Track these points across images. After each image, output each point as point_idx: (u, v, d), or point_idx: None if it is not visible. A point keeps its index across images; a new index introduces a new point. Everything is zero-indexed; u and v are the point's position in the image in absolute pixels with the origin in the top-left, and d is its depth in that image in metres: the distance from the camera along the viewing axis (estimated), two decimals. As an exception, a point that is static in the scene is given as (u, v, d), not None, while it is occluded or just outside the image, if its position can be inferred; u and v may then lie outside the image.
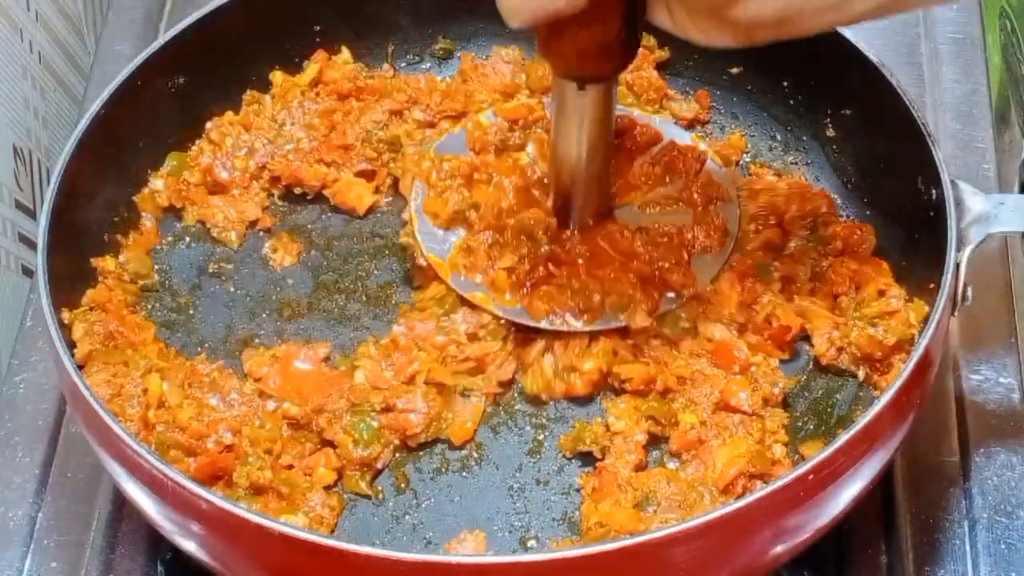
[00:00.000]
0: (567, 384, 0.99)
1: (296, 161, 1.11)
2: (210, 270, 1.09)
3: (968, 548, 1.00)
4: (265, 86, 1.15)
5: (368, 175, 1.12)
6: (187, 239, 1.10)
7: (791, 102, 1.13)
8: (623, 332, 1.00)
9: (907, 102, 1.00)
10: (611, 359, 0.99)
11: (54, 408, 1.09)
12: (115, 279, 1.05)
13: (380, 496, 0.96)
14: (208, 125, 1.12)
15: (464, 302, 1.01)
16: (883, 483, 1.00)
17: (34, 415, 1.09)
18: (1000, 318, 1.11)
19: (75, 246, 1.02)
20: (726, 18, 0.83)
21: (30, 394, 1.10)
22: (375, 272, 1.09)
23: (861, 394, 0.98)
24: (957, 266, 0.92)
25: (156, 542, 1.01)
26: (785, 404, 0.98)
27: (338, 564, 0.82)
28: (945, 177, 0.95)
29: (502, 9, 0.85)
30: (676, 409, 0.97)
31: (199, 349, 1.04)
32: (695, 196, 1.05)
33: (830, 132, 1.11)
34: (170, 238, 1.10)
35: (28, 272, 1.24)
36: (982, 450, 1.04)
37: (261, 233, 1.11)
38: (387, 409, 0.97)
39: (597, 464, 0.95)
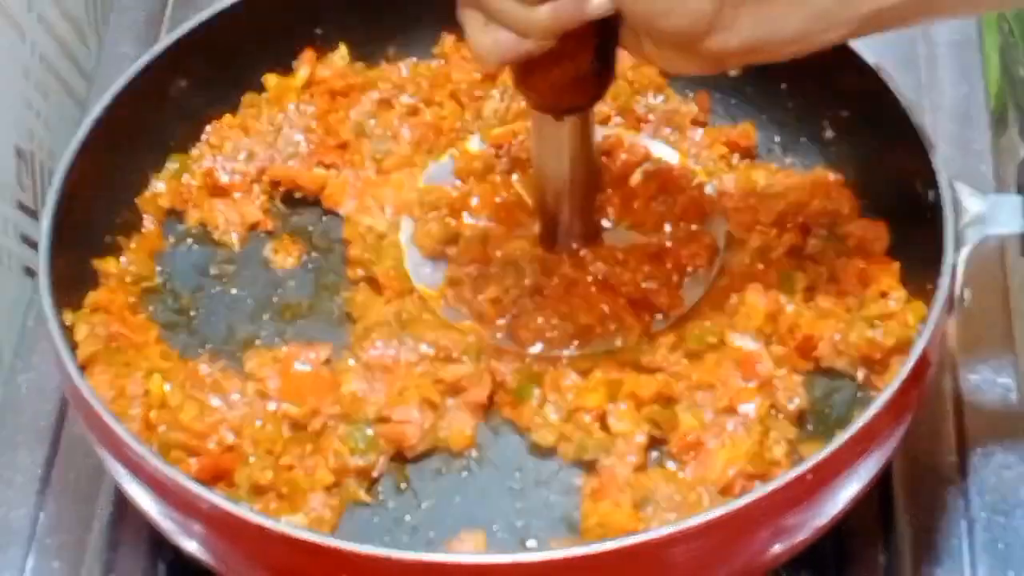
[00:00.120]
0: (579, 426, 0.97)
1: (295, 165, 1.11)
2: (212, 272, 1.09)
3: (966, 547, 1.01)
4: (264, 89, 1.15)
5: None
6: (189, 241, 1.11)
7: (789, 104, 1.13)
8: (624, 359, 1.00)
9: (904, 104, 1.00)
10: (611, 386, 0.98)
11: (56, 408, 1.10)
12: (117, 281, 1.05)
13: (380, 498, 0.96)
14: (208, 128, 1.12)
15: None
16: (881, 483, 1.00)
17: (36, 415, 1.09)
18: (998, 319, 1.11)
19: (77, 247, 1.02)
20: (696, 50, 0.83)
21: (32, 394, 1.11)
22: (376, 273, 1.09)
23: (860, 395, 0.99)
24: (955, 267, 0.92)
25: (157, 542, 1.01)
26: (800, 421, 0.97)
27: (339, 564, 0.82)
28: (943, 178, 0.95)
29: (475, 54, 0.85)
30: (678, 412, 0.97)
31: (201, 350, 1.04)
32: (682, 213, 1.05)
33: (828, 134, 1.11)
34: (172, 240, 1.10)
35: (30, 272, 1.24)
36: (980, 450, 1.05)
37: (262, 235, 1.11)
38: (382, 420, 0.97)
39: (597, 465, 0.95)
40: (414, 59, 1.19)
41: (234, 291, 1.08)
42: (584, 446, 0.96)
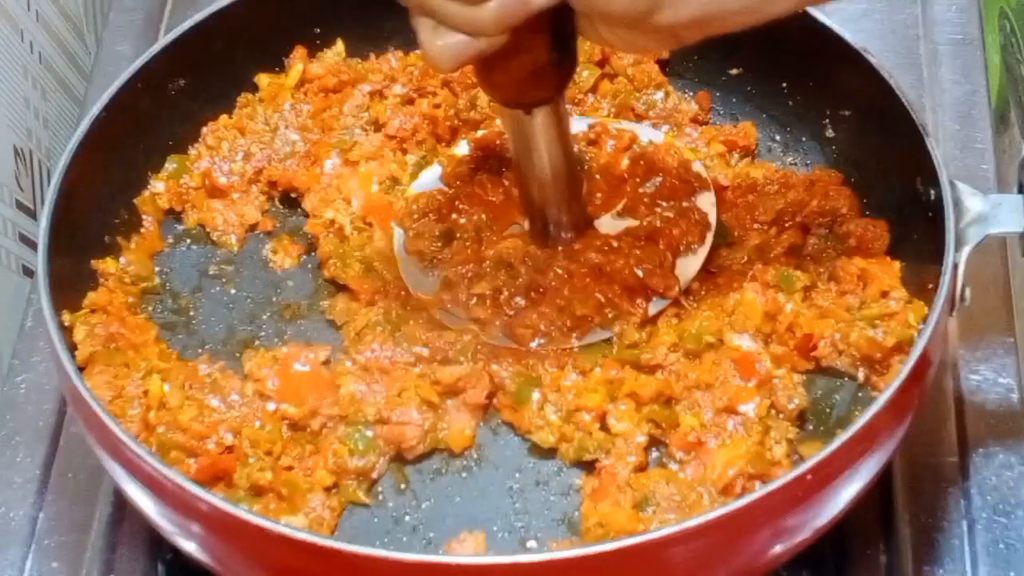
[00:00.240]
0: (580, 425, 0.97)
1: (292, 164, 1.11)
2: (211, 272, 1.09)
3: (967, 548, 1.00)
4: (258, 88, 1.15)
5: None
6: (188, 241, 1.10)
7: (790, 103, 1.13)
8: (624, 358, 0.99)
9: (906, 103, 1.00)
10: (611, 386, 0.98)
11: (55, 409, 1.10)
12: (116, 281, 1.05)
13: (379, 498, 0.96)
14: (204, 130, 1.12)
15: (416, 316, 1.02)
16: (882, 483, 1.00)
17: (35, 415, 1.09)
18: (999, 318, 1.11)
19: (76, 247, 1.02)
20: (647, 27, 0.83)
21: (31, 394, 1.11)
22: (375, 273, 1.09)
23: (860, 395, 0.98)
24: (956, 266, 0.92)
25: (157, 543, 1.01)
26: (801, 421, 0.97)
27: (338, 565, 0.82)
28: (944, 178, 0.95)
29: (428, 59, 0.85)
30: (678, 412, 0.96)
31: (200, 351, 1.04)
32: (670, 192, 1.05)
33: (829, 133, 1.11)
34: (171, 240, 1.10)
35: (29, 272, 1.24)
36: (981, 450, 1.05)
37: (261, 236, 1.11)
38: (381, 421, 0.97)
39: (597, 465, 0.95)
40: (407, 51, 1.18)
41: (233, 291, 1.08)
42: (584, 446, 0.96)
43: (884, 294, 0.99)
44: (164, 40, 1.08)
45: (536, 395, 0.98)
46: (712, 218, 1.04)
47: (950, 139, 1.21)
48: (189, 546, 0.89)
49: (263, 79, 1.14)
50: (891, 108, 1.01)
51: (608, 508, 0.93)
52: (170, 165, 1.11)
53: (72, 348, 0.98)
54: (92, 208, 1.05)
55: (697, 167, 1.07)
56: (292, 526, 0.87)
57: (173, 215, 1.11)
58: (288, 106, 1.13)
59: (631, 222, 1.05)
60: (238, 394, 0.97)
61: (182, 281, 1.08)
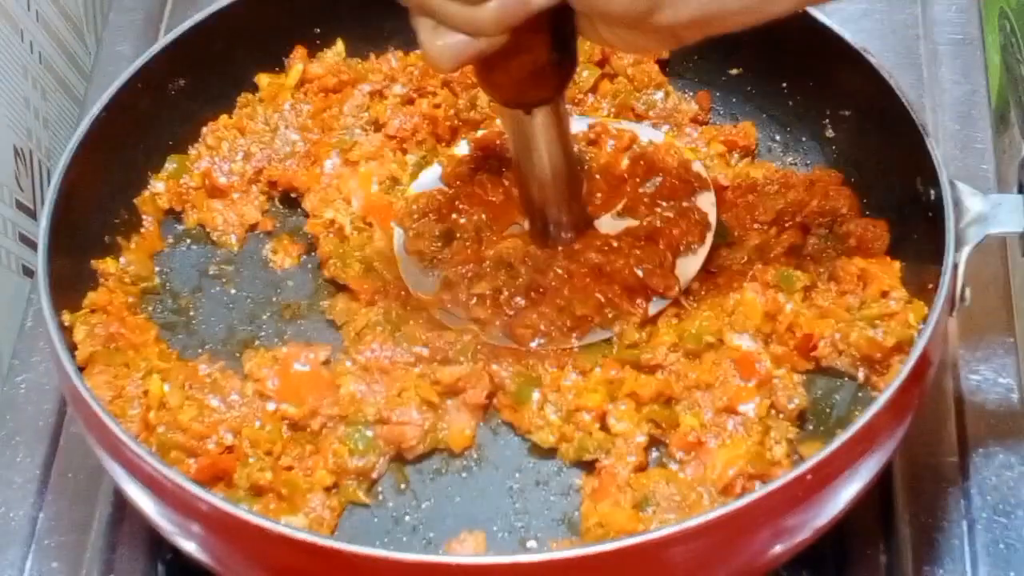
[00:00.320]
0: (580, 425, 0.97)
1: (292, 164, 1.11)
2: (211, 272, 1.09)
3: (967, 548, 1.00)
4: (258, 88, 1.15)
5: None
6: (188, 241, 1.10)
7: (790, 103, 1.13)
8: (624, 358, 0.99)
9: (906, 103, 1.00)
10: (611, 386, 0.98)
11: (55, 409, 1.10)
12: (116, 281, 1.05)
13: (379, 498, 0.96)
14: (204, 130, 1.12)
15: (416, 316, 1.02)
16: (882, 483, 1.00)
17: (35, 415, 1.09)
18: (999, 318, 1.11)
19: (76, 247, 1.02)
20: (647, 27, 0.83)
21: (31, 394, 1.10)
22: (375, 273, 1.08)
23: (860, 395, 0.98)
24: (956, 266, 0.92)
25: (157, 543, 1.01)
26: (801, 421, 0.97)
27: (338, 565, 0.82)
28: (944, 178, 0.95)
29: (428, 60, 0.85)
30: (678, 412, 0.96)
31: (200, 350, 1.04)
32: (671, 192, 1.05)
33: (829, 133, 1.11)
34: (171, 240, 1.10)
35: (29, 272, 1.24)
36: (981, 450, 1.05)
37: (261, 235, 1.11)
38: (381, 421, 0.97)
39: (597, 465, 0.95)
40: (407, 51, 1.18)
41: (233, 291, 1.08)
42: (584, 446, 0.96)
43: (884, 294, 0.99)
44: (164, 40, 1.08)
45: (536, 395, 0.98)
46: (712, 218, 1.04)
47: (950, 139, 1.21)
48: (189, 546, 0.89)
49: (263, 79, 1.14)
50: (891, 108, 1.00)
51: (608, 508, 0.93)
52: (170, 165, 1.11)
53: (72, 348, 0.98)
54: (92, 208, 1.05)
55: (697, 167, 1.07)
56: (292, 526, 0.87)
57: (173, 215, 1.11)
58: (288, 106, 1.13)
59: (631, 222, 1.05)
60: (238, 394, 0.97)
61: (182, 281, 1.08)
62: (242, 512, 0.83)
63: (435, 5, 0.82)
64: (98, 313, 1.01)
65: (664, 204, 1.05)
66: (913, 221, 1.01)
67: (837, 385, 0.99)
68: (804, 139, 1.13)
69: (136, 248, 1.08)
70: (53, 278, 0.95)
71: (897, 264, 1.01)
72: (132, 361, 0.99)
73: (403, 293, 1.03)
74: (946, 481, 1.03)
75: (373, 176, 1.10)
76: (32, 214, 1.27)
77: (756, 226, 1.06)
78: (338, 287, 1.06)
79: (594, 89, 1.16)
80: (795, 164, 1.13)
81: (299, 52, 1.15)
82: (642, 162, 1.07)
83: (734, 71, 1.15)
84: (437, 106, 1.14)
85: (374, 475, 0.96)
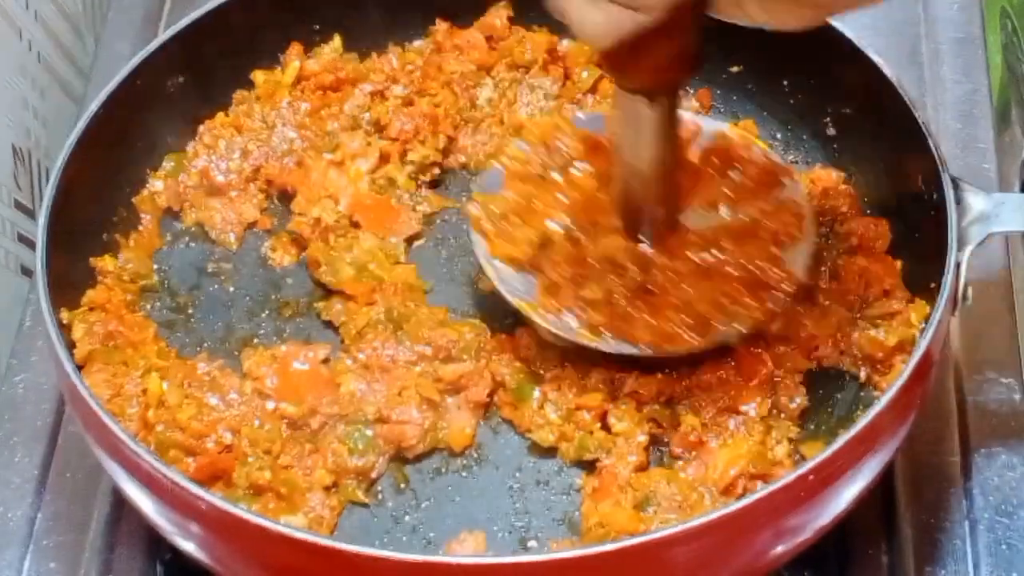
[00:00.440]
0: (580, 425, 0.96)
1: (290, 162, 1.11)
2: (209, 270, 1.09)
3: (969, 548, 1.00)
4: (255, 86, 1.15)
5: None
6: (186, 239, 1.10)
7: (791, 101, 1.13)
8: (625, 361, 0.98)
9: (908, 101, 1.00)
10: (611, 386, 0.97)
11: (53, 408, 1.09)
12: (115, 279, 1.04)
13: (379, 498, 0.96)
14: (200, 128, 1.12)
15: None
16: (884, 483, 1.00)
17: (33, 415, 1.09)
18: (1001, 318, 1.11)
19: (74, 246, 1.02)
20: (807, 2, 0.79)
21: (29, 394, 1.10)
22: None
23: (862, 394, 0.98)
24: (958, 266, 0.92)
25: (155, 542, 1.01)
26: (802, 421, 0.97)
27: (338, 565, 0.82)
28: (946, 176, 0.95)
29: (583, 35, 0.81)
30: (679, 411, 0.96)
31: (199, 349, 1.04)
32: (755, 184, 1.02)
33: (830, 131, 1.11)
34: (169, 238, 1.10)
35: (27, 272, 1.24)
36: (983, 450, 1.04)
37: (260, 233, 1.11)
38: (381, 420, 0.96)
39: (597, 464, 0.95)
40: (405, 46, 1.18)
41: (232, 289, 1.08)
42: (585, 445, 0.95)
43: (886, 293, 0.99)
44: (162, 37, 1.08)
45: (536, 393, 0.98)
46: (807, 209, 1.01)
47: (952, 138, 1.21)
48: (188, 546, 0.89)
49: (259, 76, 1.14)
50: (893, 107, 1.00)
51: (609, 508, 0.92)
52: (168, 163, 1.11)
53: (70, 346, 0.97)
54: (91, 206, 1.04)
55: (775, 157, 1.04)
56: (291, 526, 0.87)
57: (171, 213, 1.11)
58: (286, 104, 1.13)
59: (716, 216, 1.01)
60: (237, 393, 0.97)
61: (181, 279, 1.08)
62: (241, 511, 0.83)
63: None
64: (97, 311, 1.01)
65: (754, 197, 1.01)
66: (915, 220, 1.00)
67: (838, 385, 0.99)
68: (805, 137, 1.13)
69: (135, 246, 1.07)
70: (51, 276, 0.95)
71: (898, 263, 1.01)
72: (131, 359, 0.98)
73: (403, 292, 1.03)
74: (948, 481, 1.03)
75: (364, 175, 1.10)
76: (31, 213, 1.26)
77: (710, 170, 1.04)
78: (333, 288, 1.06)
79: (593, 89, 1.15)
80: (796, 162, 1.12)
81: (295, 49, 1.15)
82: (717, 154, 1.04)
83: (735, 69, 1.15)
84: (437, 105, 1.13)
85: (374, 474, 0.96)
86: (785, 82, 1.13)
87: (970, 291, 0.94)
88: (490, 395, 0.99)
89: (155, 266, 1.08)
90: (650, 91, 0.89)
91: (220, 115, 1.13)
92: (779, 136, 1.14)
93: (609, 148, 1.02)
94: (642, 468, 0.95)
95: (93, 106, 1.03)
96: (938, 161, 0.96)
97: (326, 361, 1.00)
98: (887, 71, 1.01)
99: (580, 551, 0.80)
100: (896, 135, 1.01)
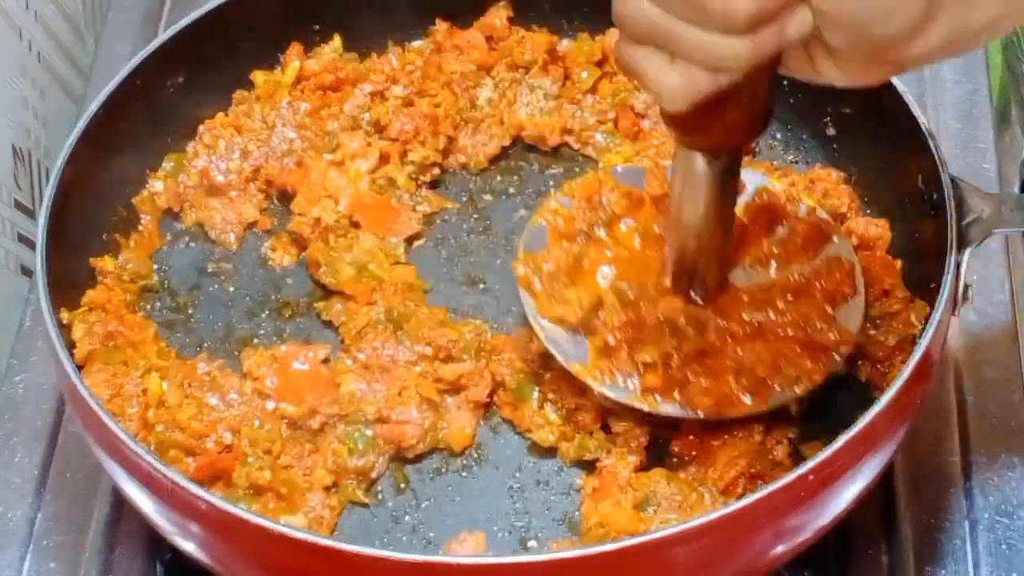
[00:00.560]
0: (580, 425, 0.96)
1: (290, 162, 1.11)
2: (209, 270, 1.08)
3: (969, 548, 1.00)
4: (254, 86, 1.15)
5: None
6: (186, 239, 1.10)
7: (791, 101, 1.12)
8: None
9: (908, 101, 1.00)
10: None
11: (53, 408, 1.09)
12: (115, 279, 1.04)
13: (379, 498, 0.96)
14: (200, 128, 1.12)
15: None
16: (884, 483, 1.00)
17: (33, 415, 1.09)
18: (1001, 318, 1.11)
19: (74, 246, 1.02)
20: (887, 58, 0.77)
21: (29, 394, 1.10)
22: (375, 271, 1.08)
23: (863, 394, 0.98)
24: (958, 265, 0.92)
25: (155, 542, 1.01)
26: (801, 420, 0.97)
27: (338, 565, 0.82)
28: (945, 176, 0.95)
29: (660, 98, 0.78)
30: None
31: (198, 349, 1.04)
32: (803, 241, 0.99)
33: (830, 131, 1.11)
34: (169, 238, 1.10)
35: (27, 272, 1.24)
36: (983, 450, 1.04)
37: (260, 233, 1.10)
38: (381, 420, 0.96)
39: (597, 465, 0.95)
40: (405, 46, 1.18)
41: (232, 289, 1.08)
42: (585, 446, 0.95)
43: (886, 293, 0.99)
44: (162, 37, 1.08)
45: (536, 393, 0.98)
46: (858, 267, 0.98)
47: (952, 138, 1.21)
48: (188, 546, 0.89)
49: (259, 76, 1.14)
50: (893, 106, 1.00)
51: (609, 508, 0.92)
52: (167, 164, 1.11)
53: (70, 346, 0.97)
54: (91, 206, 1.04)
55: (821, 214, 1.02)
56: (291, 525, 0.87)
57: (171, 213, 1.11)
58: (285, 103, 1.13)
59: (764, 274, 0.99)
60: (237, 393, 0.97)
61: (181, 279, 1.08)
62: (241, 511, 0.83)
63: (678, 36, 0.73)
64: (96, 311, 1.01)
65: (802, 255, 0.99)
66: (915, 220, 1.01)
67: (838, 385, 0.99)
68: (805, 137, 1.13)
69: (135, 246, 1.07)
70: (51, 276, 0.95)
71: (899, 263, 1.01)
72: (131, 359, 0.98)
73: (403, 291, 1.03)
74: (948, 481, 1.03)
75: (364, 175, 1.10)
76: (30, 213, 1.26)
77: (756, 226, 1.04)
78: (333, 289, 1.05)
79: (593, 89, 1.15)
80: (796, 162, 1.12)
81: (295, 49, 1.15)
82: (764, 212, 1.01)
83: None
84: (437, 106, 1.13)
85: (374, 474, 0.96)
86: (785, 82, 1.12)
87: (970, 291, 0.94)
88: (490, 395, 0.99)
89: (155, 266, 1.08)
90: (717, 151, 0.87)
91: (220, 115, 1.13)
92: (779, 136, 1.14)
93: (651, 203, 1.01)
94: (642, 468, 0.95)
95: (93, 106, 1.03)
96: (938, 161, 0.96)
97: (326, 361, 1.00)
98: (887, 71, 1.01)
99: (580, 551, 0.80)
100: (896, 135, 1.00)
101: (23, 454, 1.07)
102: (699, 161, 0.87)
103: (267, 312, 1.06)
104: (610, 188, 1.02)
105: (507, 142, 1.14)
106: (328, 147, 1.11)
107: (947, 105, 1.24)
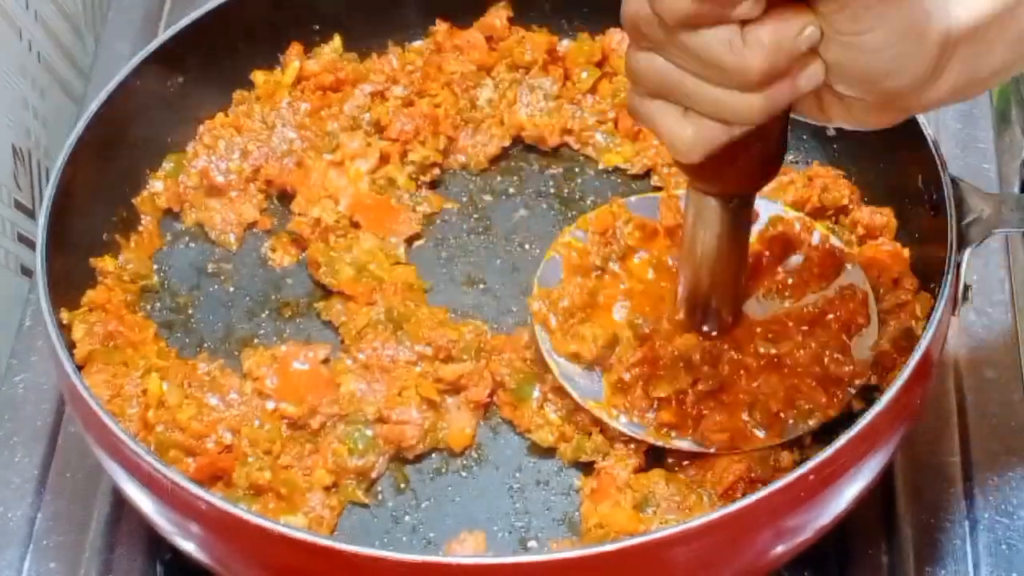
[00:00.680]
0: (580, 426, 0.96)
1: (290, 163, 1.11)
2: (209, 270, 1.08)
3: (969, 548, 1.00)
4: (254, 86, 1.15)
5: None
6: (186, 239, 1.10)
7: (791, 101, 1.12)
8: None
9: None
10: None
11: (53, 408, 1.09)
12: (115, 279, 1.04)
13: (379, 498, 0.96)
14: (200, 128, 1.12)
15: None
16: (884, 483, 1.00)
17: (33, 415, 1.09)
18: (1001, 318, 1.11)
19: (74, 246, 1.02)
20: (897, 107, 0.78)
21: (29, 394, 1.10)
22: (375, 271, 1.08)
23: (863, 394, 0.98)
24: (958, 265, 0.92)
25: (155, 542, 1.01)
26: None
27: (338, 565, 0.81)
28: (946, 176, 0.95)
29: (674, 150, 0.78)
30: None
31: (198, 349, 1.04)
32: (818, 271, 0.99)
33: (830, 131, 1.11)
34: (169, 238, 1.10)
35: (27, 272, 1.24)
36: (983, 450, 1.04)
37: (260, 234, 1.10)
38: (381, 420, 0.96)
39: (596, 466, 0.95)
40: (405, 47, 1.18)
41: (232, 289, 1.08)
42: (582, 447, 0.95)
43: (895, 282, 0.99)
44: (162, 37, 1.08)
45: (536, 393, 0.97)
46: (871, 296, 0.98)
47: (952, 138, 1.21)
48: (188, 546, 0.89)
49: (259, 76, 1.14)
50: (893, 106, 1.00)
51: (608, 509, 0.92)
52: (167, 164, 1.11)
53: (71, 347, 0.97)
54: (90, 206, 1.04)
55: (835, 241, 1.01)
56: (291, 526, 0.87)
57: (171, 213, 1.11)
58: (285, 104, 1.13)
59: (778, 304, 0.99)
60: (237, 393, 0.97)
61: (181, 279, 1.08)
62: (241, 512, 0.83)
63: (691, 91, 0.74)
64: (97, 311, 1.01)
65: (816, 285, 0.99)
66: (915, 220, 1.01)
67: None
68: (805, 137, 1.13)
69: (135, 246, 1.07)
70: (51, 276, 0.95)
71: (906, 251, 1.00)
72: (131, 359, 0.98)
73: (403, 292, 1.03)
74: (948, 481, 1.03)
75: (364, 175, 1.10)
76: (30, 213, 1.26)
77: (770, 256, 1.03)
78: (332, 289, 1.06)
79: (593, 90, 1.15)
80: (796, 163, 1.12)
81: (295, 49, 1.15)
82: (777, 241, 1.01)
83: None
84: (437, 106, 1.13)
85: (374, 474, 0.96)
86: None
87: (970, 291, 0.94)
88: (490, 395, 0.99)
89: (155, 266, 1.08)
90: (729, 195, 0.87)
91: (220, 115, 1.13)
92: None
93: (665, 234, 1.01)
94: (641, 470, 0.94)
95: (93, 106, 1.03)
96: (938, 161, 0.96)
97: (326, 361, 1.00)
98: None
99: (580, 551, 0.80)
100: (896, 135, 1.00)
101: (23, 454, 1.07)
102: (714, 205, 0.87)
103: (267, 312, 1.06)
104: (624, 220, 1.02)
105: (507, 142, 1.15)
106: (328, 147, 1.11)
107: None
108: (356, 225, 1.08)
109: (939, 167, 0.95)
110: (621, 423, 0.95)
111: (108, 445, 0.88)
